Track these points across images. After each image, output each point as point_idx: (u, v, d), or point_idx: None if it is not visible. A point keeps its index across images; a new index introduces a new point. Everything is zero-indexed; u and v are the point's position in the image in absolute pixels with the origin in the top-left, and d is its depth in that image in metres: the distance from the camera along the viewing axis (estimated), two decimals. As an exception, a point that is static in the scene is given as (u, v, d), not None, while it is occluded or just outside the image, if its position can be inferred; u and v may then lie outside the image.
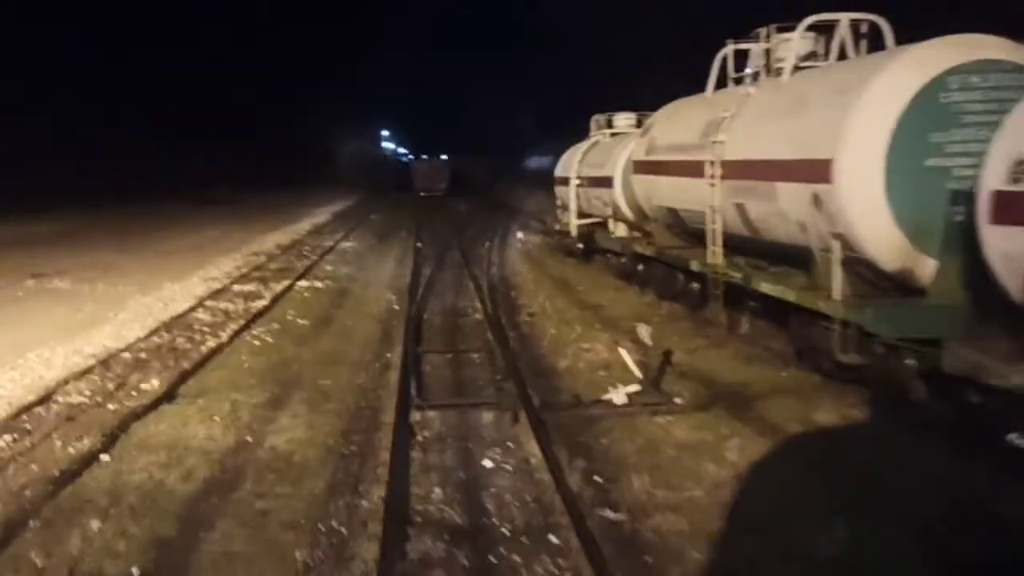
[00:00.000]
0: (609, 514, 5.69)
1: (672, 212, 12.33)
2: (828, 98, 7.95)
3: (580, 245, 18.75)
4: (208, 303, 14.14)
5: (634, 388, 8.54)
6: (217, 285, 16.11)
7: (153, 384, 8.96)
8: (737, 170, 9.68)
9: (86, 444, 7.03)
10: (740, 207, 9.76)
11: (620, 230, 16.42)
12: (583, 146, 19.06)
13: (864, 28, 9.79)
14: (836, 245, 7.61)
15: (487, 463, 6.85)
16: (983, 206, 6.23)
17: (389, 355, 10.56)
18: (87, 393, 8.64)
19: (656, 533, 5.40)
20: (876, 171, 7.28)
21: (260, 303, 14.15)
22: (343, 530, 5.54)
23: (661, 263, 13.04)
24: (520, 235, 26.07)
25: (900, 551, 4.95)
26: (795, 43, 9.56)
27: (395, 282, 17.18)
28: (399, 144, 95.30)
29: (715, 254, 10.52)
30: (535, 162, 52.48)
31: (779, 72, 9.75)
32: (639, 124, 17.82)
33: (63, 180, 37.90)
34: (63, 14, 43.60)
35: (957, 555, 4.87)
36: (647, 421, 7.69)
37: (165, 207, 36.38)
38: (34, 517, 5.59)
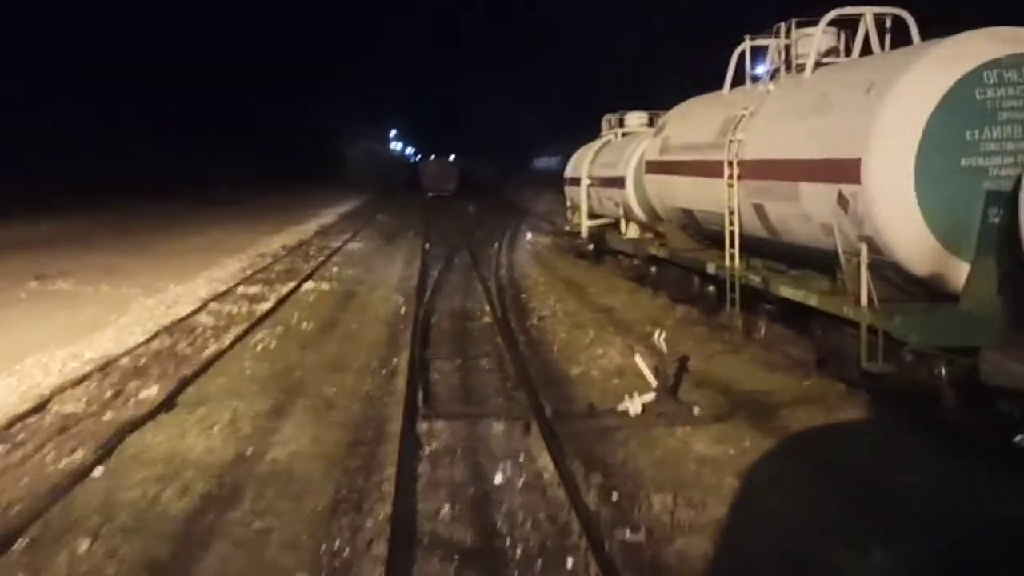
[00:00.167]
0: (628, 536, 5.36)
1: (687, 213, 11.98)
2: (855, 95, 7.59)
3: (591, 246, 18.41)
4: (212, 306, 13.88)
5: (650, 397, 8.17)
6: (221, 287, 15.87)
7: (152, 392, 8.68)
8: (756, 170, 9.33)
9: (79, 457, 6.75)
10: (759, 208, 9.41)
11: (632, 231, 16.07)
12: (594, 146, 18.73)
13: (888, 23, 9.42)
14: (863, 248, 7.24)
15: (498, 478, 6.52)
16: (1026, 207, 5.87)
17: (396, 360, 10.25)
18: (83, 401, 8.37)
19: (680, 558, 5.07)
20: (906, 171, 6.92)
21: (264, 306, 13.88)
22: (346, 552, 5.23)
23: (675, 265, 12.69)
24: (529, 236, 25.74)
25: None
26: (817, 38, 9.20)
27: (402, 284, 16.88)
28: (407, 144, 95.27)
29: (732, 257, 10.16)
30: (543, 162, 52.27)
31: (800, 68, 9.39)
32: (651, 123, 17.48)
33: (64, 181, 37.74)
34: (63, 14, 43.54)
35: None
36: (665, 432, 7.36)
37: (169, 208, 36.16)
38: (21, 536, 5.30)
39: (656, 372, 8.74)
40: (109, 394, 8.68)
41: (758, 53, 11.24)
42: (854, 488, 5.79)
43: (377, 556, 5.08)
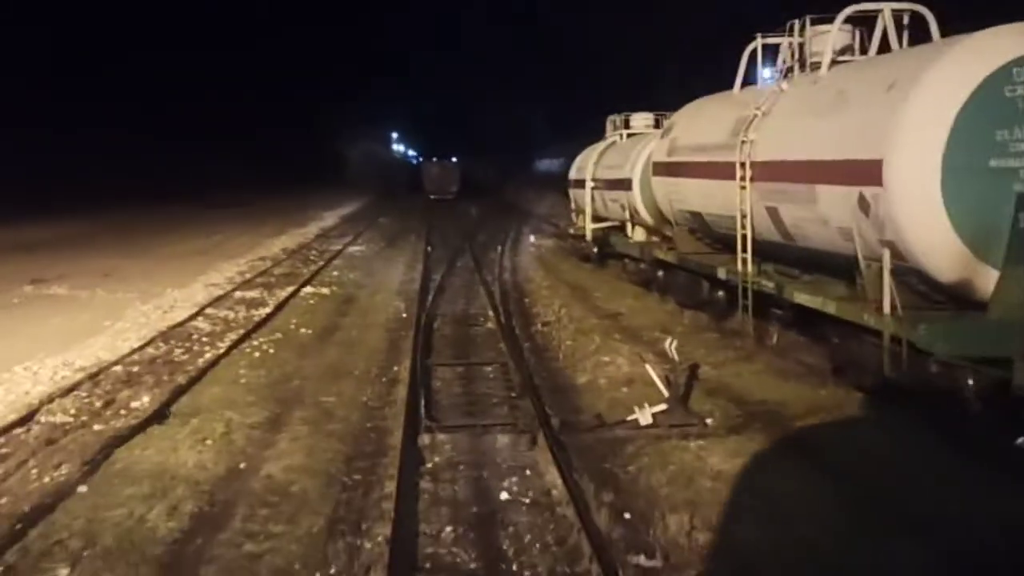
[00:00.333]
0: (643, 561, 5.03)
1: (696, 216, 11.66)
2: (875, 93, 7.27)
3: (595, 250, 18.08)
4: (209, 311, 13.57)
5: (660, 407, 7.85)
6: (219, 291, 15.56)
7: (143, 402, 8.37)
8: (770, 171, 9.00)
9: (64, 473, 6.44)
10: (772, 211, 9.08)
11: (638, 234, 15.74)
12: (599, 147, 18.40)
13: (906, 19, 9.10)
14: (886, 254, 6.91)
15: (503, 495, 6.20)
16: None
17: (396, 368, 9.95)
18: (72, 412, 8.06)
19: (699, 586, 4.74)
20: (932, 172, 6.59)
21: (263, 311, 13.57)
22: (342, 578, 4.91)
23: (683, 270, 12.35)
24: (532, 239, 25.41)
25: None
26: (833, 35, 8.87)
27: (404, 288, 16.57)
28: (409, 146, 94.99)
29: (744, 261, 9.83)
30: (545, 164, 51.98)
31: (815, 66, 9.07)
32: (657, 124, 17.18)
33: (65, 182, 37.56)
34: (63, 14, 43.33)
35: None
36: (677, 446, 7.02)
37: (170, 210, 35.93)
38: (-4, 561, 4.99)
39: (667, 381, 8.44)
40: (99, 404, 8.37)
41: (764, 53, 10.94)
42: (884, 511, 5.44)
43: (375, 584, 4.77)
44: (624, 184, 15.45)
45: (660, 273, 14.05)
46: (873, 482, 5.97)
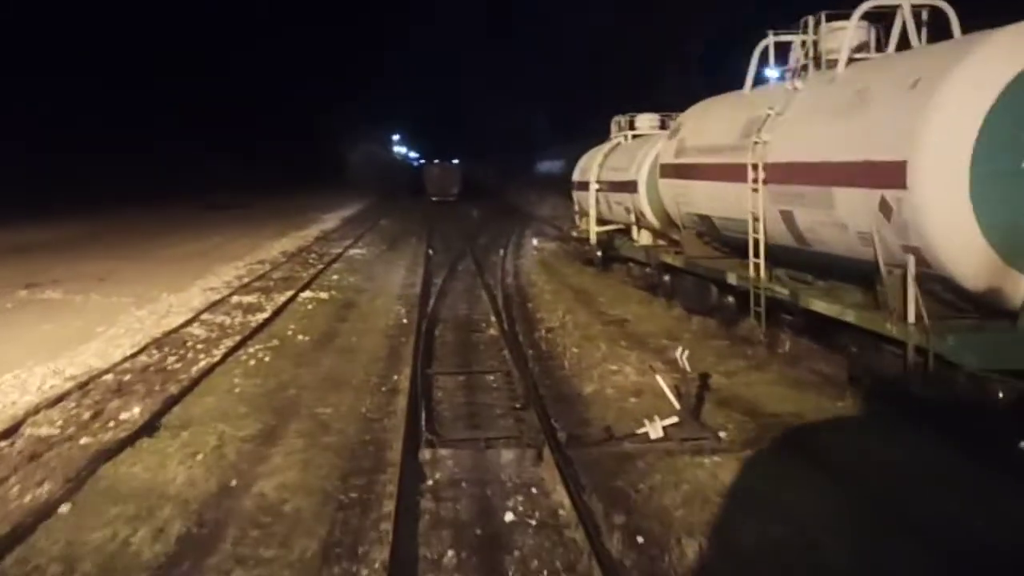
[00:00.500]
0: (659, 591, 4.70)
1: (705, 219, 11.33)
2: (898, 91, 6.94)
3: (599, 253, 17.74)
4: (205, 316, 13.26)
5: (671, 420, 7.52)
6: (216, 296, 15.25)
7: (133, 413, 8.04)
8: (784, 173, 8.68)
9: (46, 491, 6.12)
10: (787, 215, 8.76)
11: (644, 238, 15.41)
12: (603, 148, 18.08)
13: (925, 15, 8.78)
14: (910, 260, 6.58)
15: (508, 516, 5.87)
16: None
17: (396, 377, 9.62)
18: (59, 424, 7.74)
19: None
20: (960, 175, 6.26)
21: (260, 316, 13.26)
22: (337, 609, 4.59)
23: (691, 274, 12.02)
24: (535, 242, 25.08)
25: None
26: (851, 32, 8.54)
27: (405, 292, 16.25)
28: (410, 148, 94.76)
29: (757, 267, 9.49)
30: (546, 165, 51.72)
31: (831, 64, 8.74)
32: (663, 125, 16.88)
33: (66, 185, 37.31)
34: (64, 15, 43.09)
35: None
36: (690, 462, 6.70)
37: (170, 212, 35.73)
38: (-32, 590, 4.67)
39: (677, 392, 8.12)
40: (88, 415, 8.04)
41: (773, 51, 10.63)
42: (911, 526, 5.11)
43: (372, 615, 4.43)
44: (629, 186, 15.12)
45: (666, 277, 13.72)
46: (903, 506, 5.64)
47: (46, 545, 5.24)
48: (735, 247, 10.94)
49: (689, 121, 12.27)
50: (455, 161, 60.14)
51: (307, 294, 15.74)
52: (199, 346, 11.21)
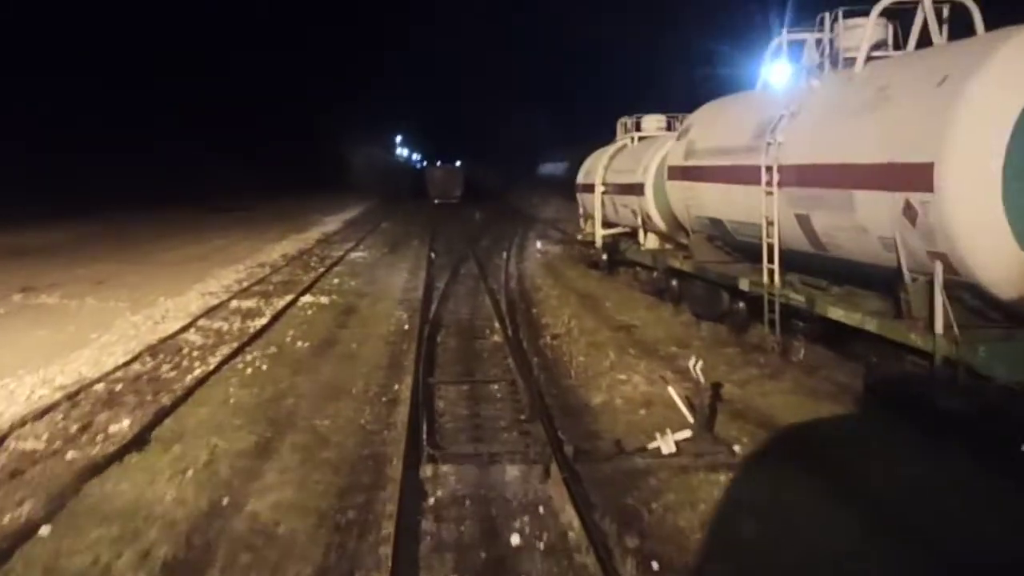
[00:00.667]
0: (678, 625, 4.37)
1: (715, 223, 10.99)
2: (923, 89, 6.61)
3: (605, 256, 17.41)
4: (202, 322, 12.95)
5: (684, 434, 7.19)
6: (214, 301, 14.95)
7: (123, 426, 7.73)
8: (800, 176, 8.34)
9: (26, 510, 5.81)
10: (803, 219, 8.42)
11: (651, 241, 15.07)
12: (609, 150, 17.74)
13: (946, 12, 8.45)
14: (937, 267, 6.25)
15: (515, 538, 5.54)
16: None
17: (397, 386, 9.30)
18: (45, 438, 7.43)
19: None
20: (991, 177, 5.94)
21: (258, 322, 12.95)
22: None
23: (701, 280, 11.68)
24: (539, 244, 24.75)
25: None
26: (869, 29, 8.21)
27: (406, 296, 15.92)
28: (413, 150, 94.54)
29: (771, 273, 9.16)
30: (549, 167, 51.37)
31: (848, 63, 8.41)
32: (670, 127, 16.56)
33: (67, 187, 37.08)
34: (63, 16, 42.89)
35: None
36: (705, 479, 6.38)
37: (171, 215, 35.44)
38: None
39: (690, 404, 7.79)
40: (75, 428, 7.73)
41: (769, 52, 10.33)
42: (945, 554, 4.77)
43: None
44: (636, 189, 14.79)
45: (674, 282, 13.39)
46: (933, 529, 5.30)
47: (22, 571, 4.94)
48: (747, 251, 10.61)
49: (698, 122, 11.94)
50: (457, 163, 59.91)
51: (307, 299, 15.44)
52: (195, 353, 10.90)
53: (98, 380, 9.35)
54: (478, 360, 10.84)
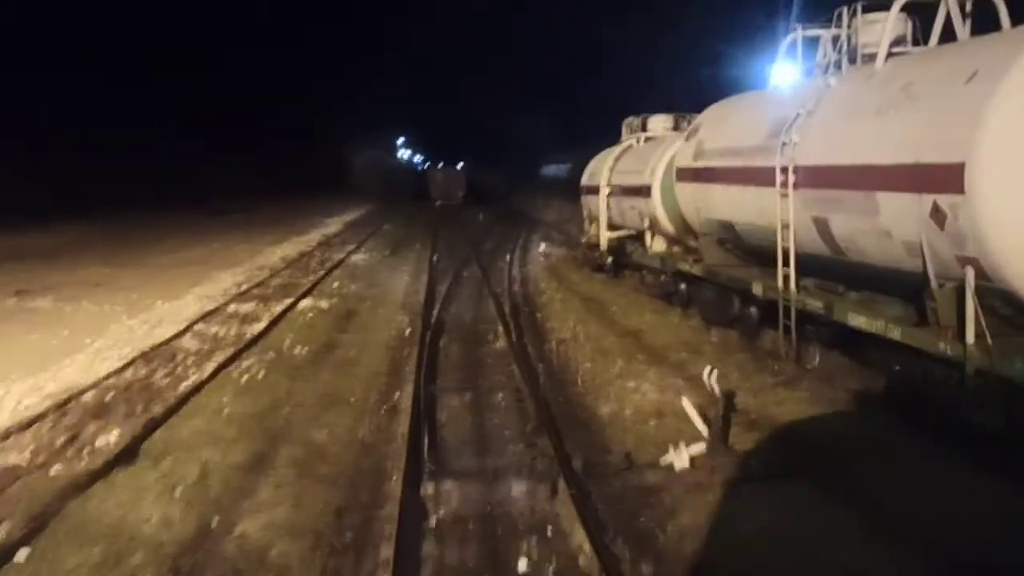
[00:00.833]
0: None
1: (726, 226, 10.65)
2: (951, 86, 6.27)
3: (610, 260, 17.07)
4: (198, 327, 12.63)
5: (699, 448, 6.86)
6: (211, 305, 14.62)
7: (111, 438, 7.41)
8: (818, 177, 8.01)
9: (3, 533, 5.49)
10: (820, 222, 8.08)
11: (658, 244, 14.72)
12: (614, 151, 17.40)
13: (968, 6, 8.11)
14: (969, 273, 5.91)
15: (522, 564, 5.21)
16: None
17: (398, 395, 8.98)
18: (29, 451, 7.11)
19: None
20: (1027, 177, 5.59)
21: (256, 327, 12.62)
22: None
23: (711, 284, 11.34)
24: (542, 247, 24.39)
25: None
26: (891, 24, 7.88)
27: (408, 300, 15.60)
28: (415, 152, 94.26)
29: (787, 277, 8.82)
30: (551, 169, 50.99)
31: (868, 59, 8.08)
32: (677, 127, 16.21)
33: (67, 189, 36.82)
34: (64, 17, 42.64)
35: None
36: (722, 497, 6.03)
37: (171, 217, 35.13)
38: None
39: (704, 416, 7.46)
40: (62, 441, 7.41)
41: (771, 53, 10.03)
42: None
43: None
44: (643, 191, 14.45)
45: (682, 286, 13.05)
46: (969, 556, 4.95)
47: (-5, 601, 4.61)
48: (758, 255, 10.27)
49: (708, 122, 11.60)
50: (459, 165, 59.67)
51: (306, 302, 15.10)
52: (190, 360, 10.58)
53: (89, 388, 9.02)
54: (481, 367, 10.52)
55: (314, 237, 29.57)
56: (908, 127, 6.65)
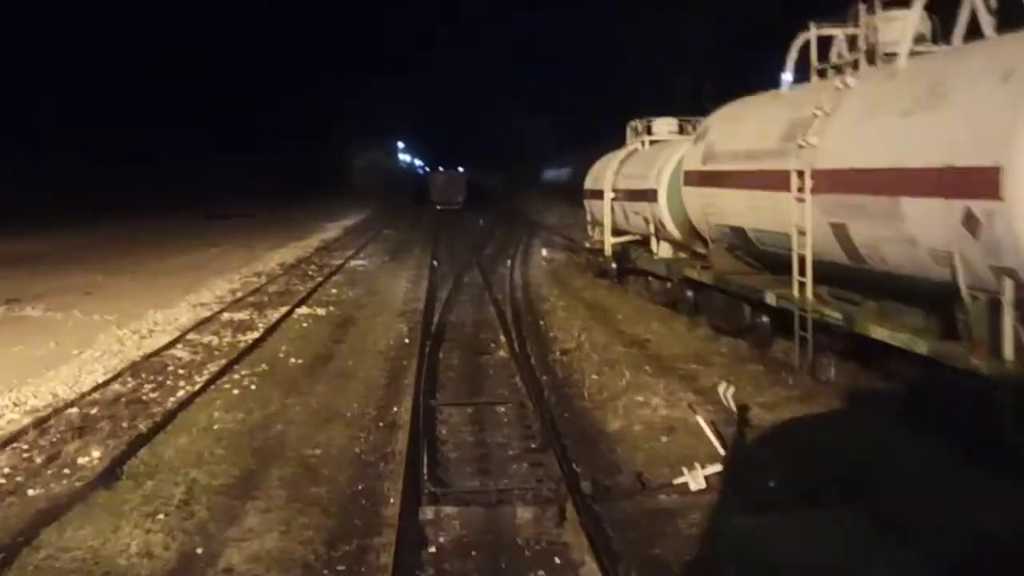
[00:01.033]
0: None
1: (737, 232, 10.27)
2: (985, 85, 5.90)
3: (614, 265, 16.68)
4: (191, 336, 12.26)
5: (714, 468, 6.47)
6: (206, 312, 14.25)
7: (92, 457, 7.03)
8: (837, 181, 7.63)
9: (-32, 566, 5.09)
10: (839, 228, 7.70)
11: (664, 250, 14.34)
12: (619, 155, 17.02)
13: (993, 2, 7.74)
14: (1006, 284, 5.53)
15: (528, 600, 4.82)
16: None
17: (396, 409, 8.59)
18: (5, 472, 6.75)
19: None
20: (1071, 182, 5.20)
21: (250, 336, 12.24)
22: None
23: (721, 292, 10.95)
24: (544, 252, 24.03)
25: None
26: (912, 21, 7.51)
27: (407, 308, 15.21)
28: (415, 156, 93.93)
29: (803, 286, 8.44)
30: (552, 173, 50.68)
31: (888, 58, 7.71)
32: (682, 130, 15.85)
33: (67, 192, 36.54)
34: (64, 18, 42.36)
35: None
36: (741, 523, 5.64)
37: (171, 221, 34.82)
38: None
39: (718, 433, 7.08)
40: (40, 460, 7.03)
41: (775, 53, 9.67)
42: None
43: None
44: (648, 195, 14.06)
45: (690, 293, 12.66)
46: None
47: (-46, 646, 4.22)
48: (770, 262, 9.90)
49: (717, 124, 11.22)
50: (460, 169, 59.31)
51: (303, 310, 14.73)
52: (180, 371, 10.20)
53: (73, 403, 8.64)
54: (483, 378, 10.13)
55: (313, 242, 29.21)
56: (938, 128, 6.27)
